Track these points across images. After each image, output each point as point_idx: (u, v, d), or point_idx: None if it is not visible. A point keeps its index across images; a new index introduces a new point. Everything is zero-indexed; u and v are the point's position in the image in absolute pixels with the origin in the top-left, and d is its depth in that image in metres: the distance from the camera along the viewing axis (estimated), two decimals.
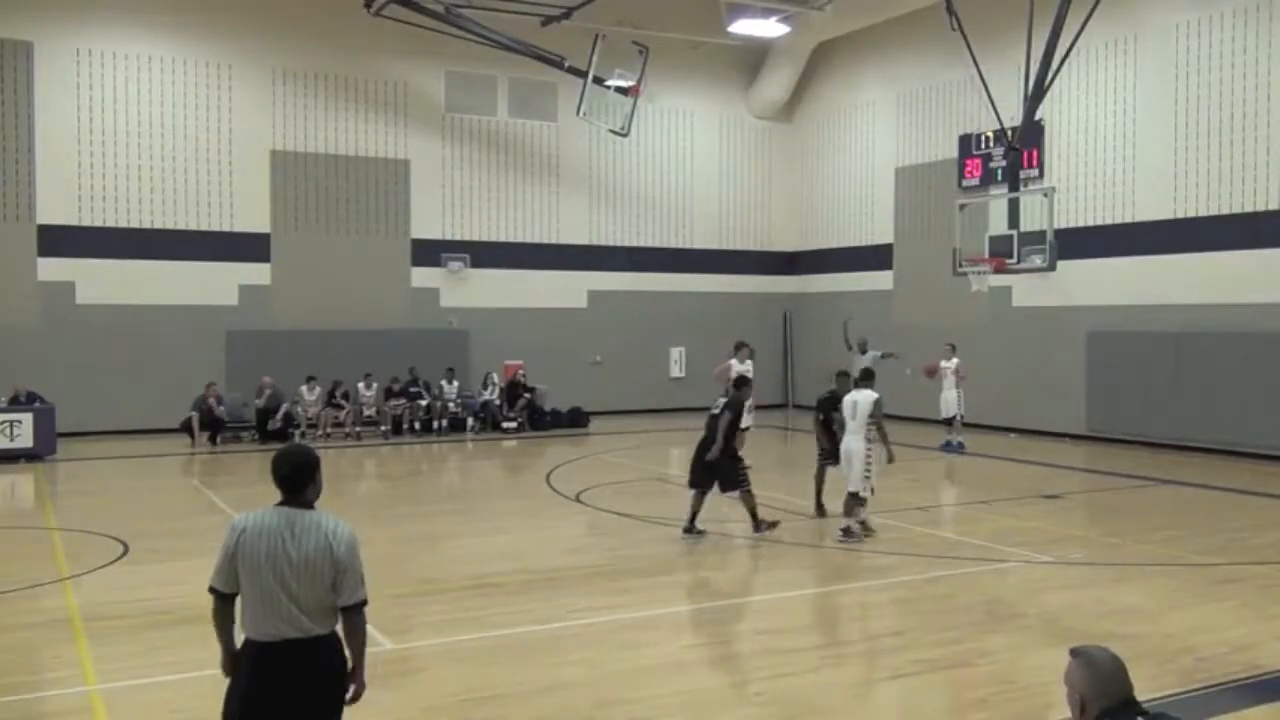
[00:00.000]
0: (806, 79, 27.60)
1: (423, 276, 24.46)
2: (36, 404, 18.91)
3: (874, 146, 25.91)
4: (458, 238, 24.76)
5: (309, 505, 4.34)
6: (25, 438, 18.20)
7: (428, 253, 24.44)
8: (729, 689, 7.13)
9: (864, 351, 22.19)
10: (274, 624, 4.19)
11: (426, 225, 24.48)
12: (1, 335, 20.54)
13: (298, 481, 4.30)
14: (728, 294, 27.42)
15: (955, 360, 19.54)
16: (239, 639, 4.35)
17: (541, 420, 23.67)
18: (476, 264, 24.76)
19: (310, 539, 4.22)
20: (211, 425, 20.64)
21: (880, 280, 25.62)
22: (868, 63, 26.04)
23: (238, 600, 4.29)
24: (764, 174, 28.34)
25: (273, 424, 21.30)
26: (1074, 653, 3.41)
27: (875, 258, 25.77)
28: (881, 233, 25.69)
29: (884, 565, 10.58)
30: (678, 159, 27.20)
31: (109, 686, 7.07)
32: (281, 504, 4.31)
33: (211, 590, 4.30)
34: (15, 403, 18.85)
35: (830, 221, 27.36)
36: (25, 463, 17.94)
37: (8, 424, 18.09)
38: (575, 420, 24.08)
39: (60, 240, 21.26)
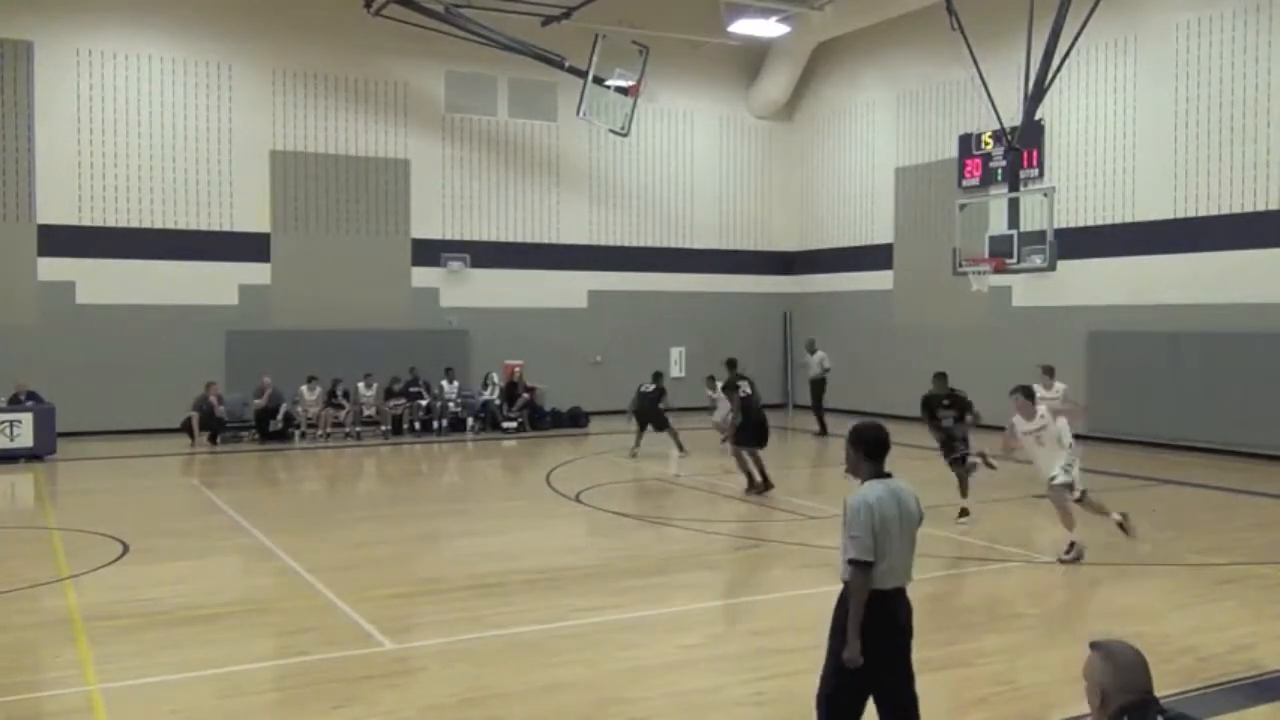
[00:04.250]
0: (806, 79, 27.60)
1: (423, 276, 24.46)
2: (36, 404, 18.90)
3: (874, 146, 25.91)
4: (458, 237, 24.77)
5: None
6: (25, 438, 18.20)
7: (428, 252, 24.44)
8: (728, 689, 7.13)
9: (813, 352, 22.63)
10: (898, 576, 4.99)
11: (426, 225, 24.49)
12: (1, 335, 20.53)
13: (884, 453, 5.10)
14: (728, 294, 27.43)
15: (1060, 387, 15.55)
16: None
17: (541, 420, 23.68)
18: (476, 264, 24.76)
19: (909, 501, 5.06)
20: (211, 425, 20.64)
21: (880, 280, 25.62)
22: (868, 63, 26.04)
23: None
24: (764, 174, 28.34)
25: (274, 425, 21.31)
26: (1094, 645, 3.37)
27: (875, 258, 25.77)
28: (881, 233, 25.69)
29: None
30: (678, 159, 27.20)
31: (109, 686, 7.07)
32: (878, 477, 5.05)
33: (864, 564, 4.90)
34: (15, 402, 18.84)
35: (830, 221, 27.36)
36: (25, 463, 17.94)
37: (8, 424, 18.08)
38: (575, 420, 24.09)
39: (60, 240, 21.26)
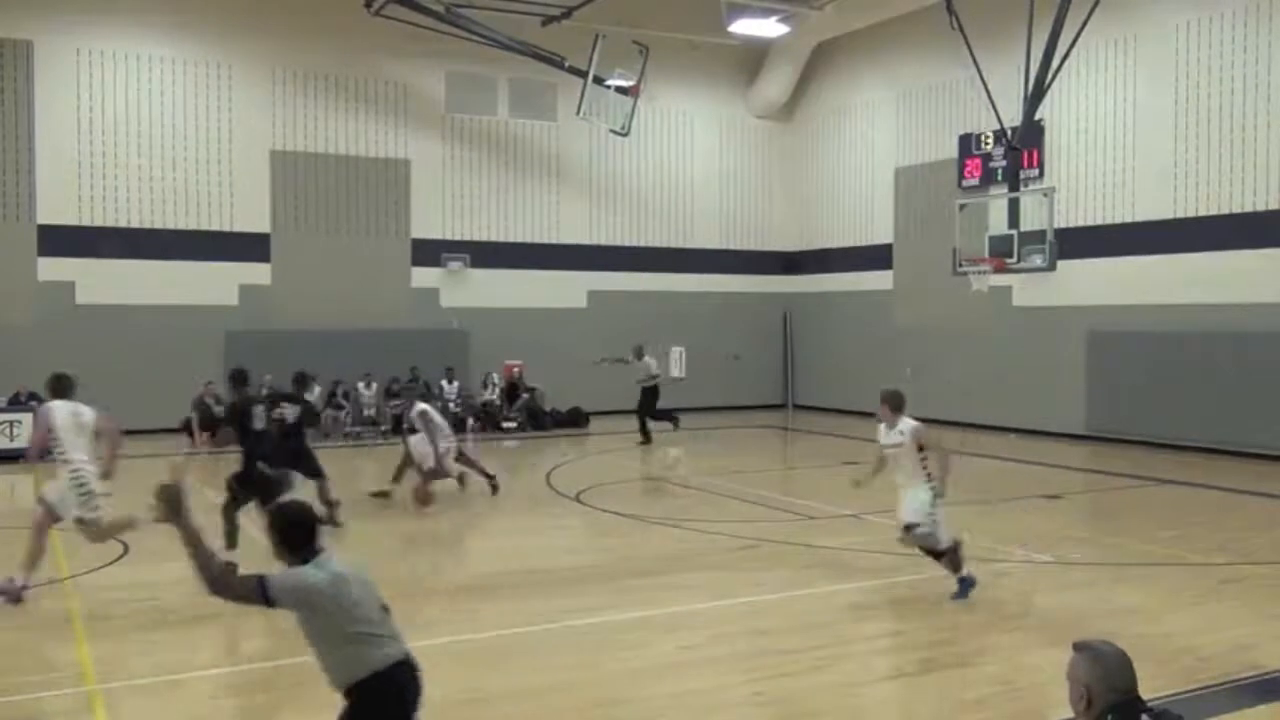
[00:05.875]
0: (806, 79, 27.60)
1: (423, 276, 24.46)
2: (37, 404, 18.88)
3: (874, 146, 25.91)
4: (458, 238, 24.76)
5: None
6: (25, 438, 18.17)
7: (428, 252, 24.44)
8: (728, 689, 7.13)
9: (640, 358, 21.72)
10: (398, 643, 4.67)
11: (426, 225, 24.49)
12: (1, 335, 20.51)
13: (310, 537, 4.57)
14: (727, 294, 27.43)
15: (908, 426, 9.28)
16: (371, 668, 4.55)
17: (541, 420, 23.69)
18: (476, 264, 24.76)
19: (354, 569, 4.67)
20: (211, 425, 20.61)
21: (880, 280, 25.62)
22: (868, 63, 26.04)
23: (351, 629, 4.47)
24: (764, 174, 28.34)
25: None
26: (1078, 646, 3.38)
27: (875, 257, 25.77)
28: (881, 232, 25.69)
29: (884, 565, 10.57)
30: (678, 159, 27.19)
31: (109, 687, 7.07)
32: (308, 560, 4.48)
33: (263, 590, 4.43)
34: (15, 403, 18.84)
35: (830, 221, 27.36)
36: (25, 462, 17.91)
37: (7, 424, 18.09)
38: (575, 420, 24.09)
39: (60, 240, 21.26)
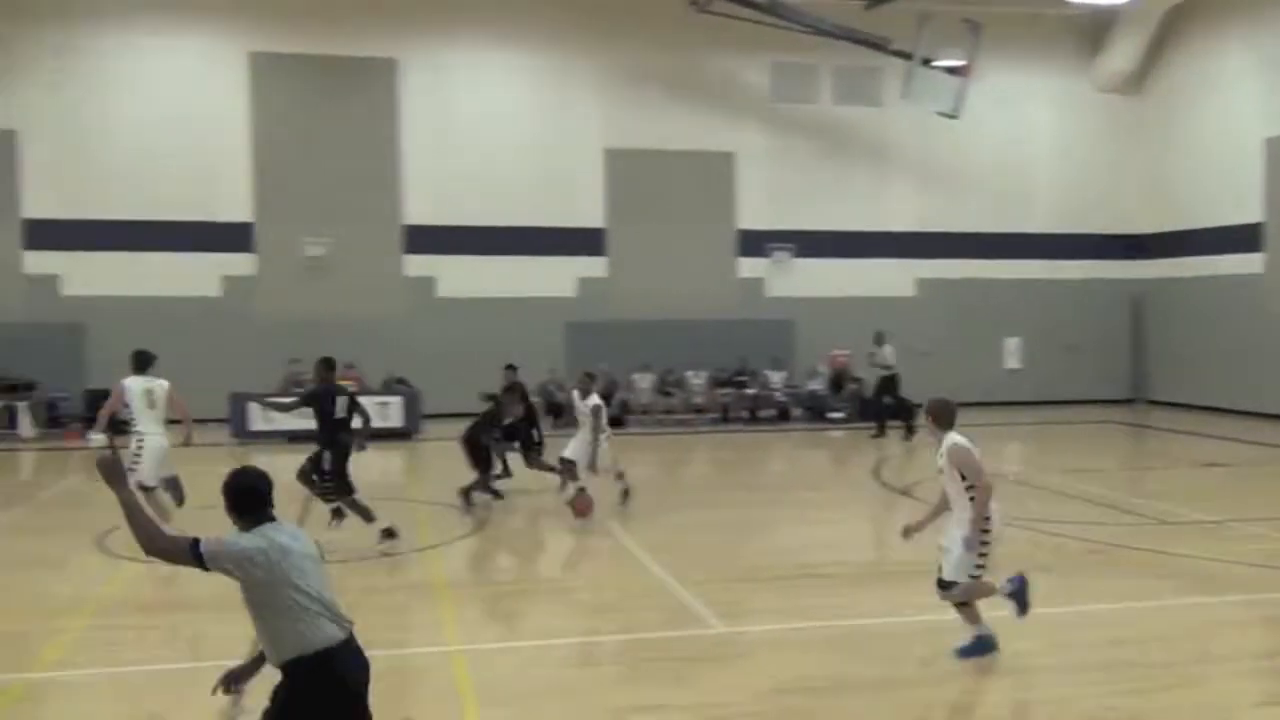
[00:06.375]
0: (1157, 47, 25.41)
1: (749, 266, 24.75)
2: (405, 388, 20.94)
3: (1237, 116, 23.45)
4: (782, 227, 24.81)
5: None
6: (395, 418, 20.17)
7: (753, 243, 24.70)
8: (1072, 701, 6.75)
9: (880, 345, 20.53)
10: (333, 627, 4.48)
11: (751, 216, 24.73)
12: (372, 324, 22.67)
13: (259, 504, 4.54)
14: (1068, 280, 25.79)
15: (948, 444, 7.82)
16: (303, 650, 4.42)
17: (870, 411, 23.30)
18: (801, 253, 24.71)
19: (303, 540, 4.60)
20: (552, 412, 21.83)
21: (1247, 264, 23.17)
22: (1229, 24, 23.59)
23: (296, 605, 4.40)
24: (1108, 151, 26.35)
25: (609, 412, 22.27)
26: None
27: (1240, 238, 23.35)
28: (1248, 211, 23.23)
29: (1256, 579, 9.61)
30: (1012, 139, 25.81)
31: (469, 649, 7.71)
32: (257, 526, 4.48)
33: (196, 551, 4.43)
34: (387, 388, 20.99)
35: (1186, 200, 25.02)
36: (394, 440, 19.82)
37: (381, 405, 20.09)
38: (899, 413, 23.52)
39: (422, 238, 23.28)
